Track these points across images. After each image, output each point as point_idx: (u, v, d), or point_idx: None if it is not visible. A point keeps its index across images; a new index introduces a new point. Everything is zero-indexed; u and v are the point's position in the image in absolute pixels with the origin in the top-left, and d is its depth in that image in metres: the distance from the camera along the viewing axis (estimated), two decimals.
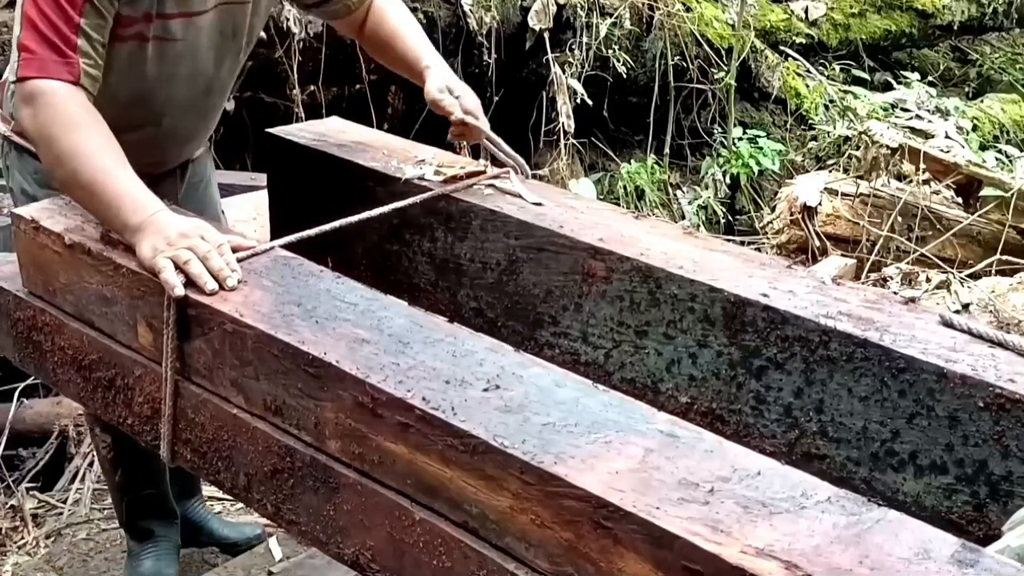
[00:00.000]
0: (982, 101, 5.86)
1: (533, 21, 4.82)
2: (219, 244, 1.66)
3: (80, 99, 1.76)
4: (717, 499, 1.16)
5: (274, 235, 2.09)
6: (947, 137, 4.32)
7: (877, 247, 4.05)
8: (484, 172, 2.06)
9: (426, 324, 1.53)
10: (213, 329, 1.57)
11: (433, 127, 4.48)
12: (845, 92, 5.31)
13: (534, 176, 2.19)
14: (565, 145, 4.77)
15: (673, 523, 1.12)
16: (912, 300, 1.68)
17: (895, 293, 2.02)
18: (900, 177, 4.26)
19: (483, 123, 2.08)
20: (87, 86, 1.78)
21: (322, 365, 1.43)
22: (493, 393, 1.35)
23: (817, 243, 4.12)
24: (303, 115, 4.15)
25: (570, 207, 1.96)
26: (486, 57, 4.69)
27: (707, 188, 5.01)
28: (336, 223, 1.88)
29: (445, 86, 2.07)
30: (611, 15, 4.97)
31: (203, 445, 1.63)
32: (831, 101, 5.27)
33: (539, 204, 1.95)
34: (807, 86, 5.41)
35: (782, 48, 5.56)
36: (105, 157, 1.73)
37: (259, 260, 1.69)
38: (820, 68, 5.57)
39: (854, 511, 1.14)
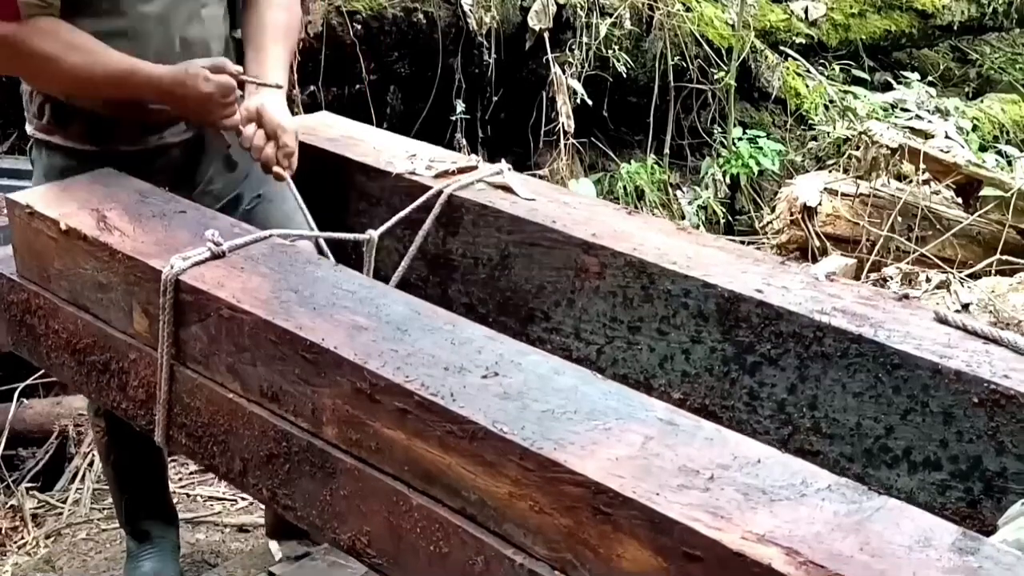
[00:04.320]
0: (982, 101, 5.85)
1: (533, 21, 4.81)
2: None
3: (26, 31, 1.82)
4: (717, 486, 1.15)
5: None
6: (947, 137, 4.31)
7: (877, 247, 4.04)
8: (476, 167, 2.05)
9: (424, 312, 1.53)
10: (210, 315, 1.56)
11: (433, 127, 4.51)
12: (845, 92, 5.31)
13: (533, 176, 2.17)
14: (565, 145, 4.77)
15: (673, 509, 1.12)
16: (906, 296, 1.68)
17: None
18: (900, 177, 4.25)
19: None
20: (37, 12, 1.82)
21: (320, 351, 1.43)
22: (492, 380, 1.35)
23: (817, 243, 4.11)
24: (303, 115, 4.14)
25: (563, 203, 1.96)
26: (486, 57, 4.69)
27: (707, 188, 5.00)
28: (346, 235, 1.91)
29: (256, 109, 1.95)
30: (611, 15, 4.96)
31: (198, 430, 1.62)
32: (831, 101, 5.26)
33: (531, 200, 1.95)
34: (807, 86, 5.40)
35: (782, 48, 5.56)
36: (96, 67, 1.86)
37: (257, 247, 1.69)
38: (820, 68, 5.57)
39: (854, 499, 1.14)
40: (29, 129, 2.09)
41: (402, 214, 1.94)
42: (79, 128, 2.00)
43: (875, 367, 1.55)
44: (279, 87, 1.99)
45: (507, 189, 1.98)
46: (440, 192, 1.95)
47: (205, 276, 1.59)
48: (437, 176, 2.02)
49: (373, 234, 1.93)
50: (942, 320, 1.60)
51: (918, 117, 4.70)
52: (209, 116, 1.94)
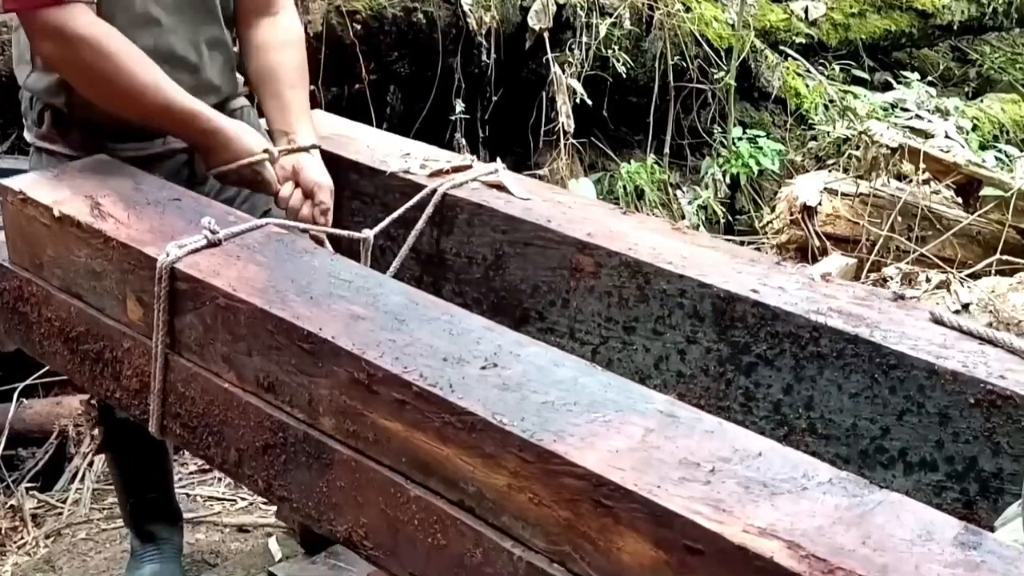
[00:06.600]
0: (982, 101, 5.85)
1: (533, 21, 4.80)
2: None
3: (76, 18, 1.74)
4: (718, 479, 1.14)
5: None
6: (947, 137, 4.30)
7: (877, 247, 4.03)
8: (470, 167, 2.04)
9: (422, 302, 1.51)
10: (205, 304, 1.55)
11: (433, 127, 4.49)
12: (845, 92, 5.30)
13: (532, 176, 2.16)
14: (565, 145, 4.75)
15: (674, 502, 1.11)
16: (902, 296, 1.67)
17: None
18: (900, 177, 4.24)
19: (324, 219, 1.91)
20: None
21: (317, 341, 1.41)
22: (491, 371, 1.33)
23: (817, 243, 4.10)
24: None
25: (557, 202, 1.95)
26: (486, 57, 4.68)
27: (707, 188, 4.99)
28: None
29: (292, 167, 1.93)
30: (611, 15, 4.95)
31: (193, 420, 1.61)
32: (831, 101, 5.25)
33: (526, 199, 1.93)
34: (807, 86, 5.39)
35: (782, 48, 5.55)
36: (139, 79, 1.79)
37: (253, 236, 1.67)
38: (820, 68, 5.56)
39: (856, 492, 1.13)
40: (29, 137, 2.05)
41: (397, 213, 1.92)
42: (79, 135, 1.98)
43: (871, 368, 1.54)
44: (315, 148, 1.95)
45: (502, 188, 1.97)
46: (434, 191, 1.94)
47: (201, 264, 1.58)
48: (431, 175, 2.01)
49: (369, 233, 1.91)
50: (938, 320, 1.59)
51: (918, 117, 4.69)
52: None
